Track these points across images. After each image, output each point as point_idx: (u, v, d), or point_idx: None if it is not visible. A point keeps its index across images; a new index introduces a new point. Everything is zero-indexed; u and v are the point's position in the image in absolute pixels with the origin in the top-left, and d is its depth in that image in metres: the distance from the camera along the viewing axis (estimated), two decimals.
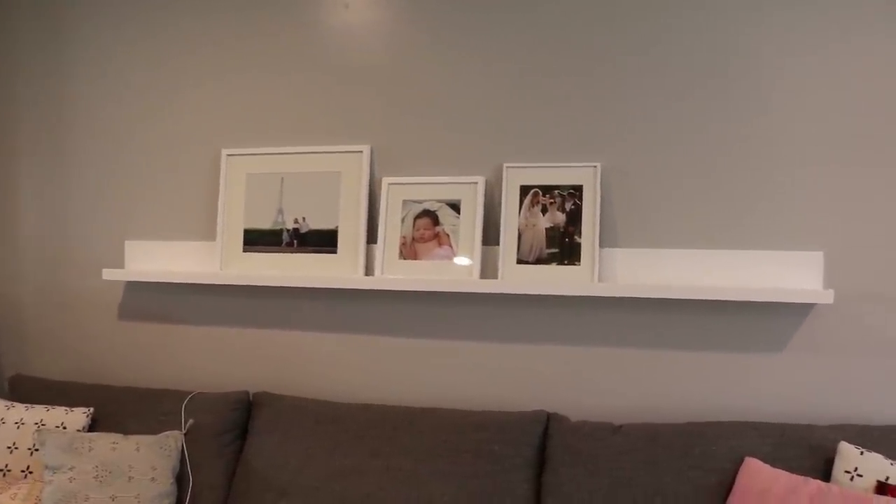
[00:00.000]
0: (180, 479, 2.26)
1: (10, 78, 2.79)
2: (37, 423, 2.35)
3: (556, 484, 2.03)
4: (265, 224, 2.47)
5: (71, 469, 2.13)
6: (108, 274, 2.55)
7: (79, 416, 2.37)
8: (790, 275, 2.09)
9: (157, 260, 2.61)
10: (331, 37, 2.44)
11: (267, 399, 2.37)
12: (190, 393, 2.42)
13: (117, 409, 2.43)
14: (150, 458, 2.21)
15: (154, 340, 2.65)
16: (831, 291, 1.98)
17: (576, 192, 2.21)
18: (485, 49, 2.31)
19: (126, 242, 2.64)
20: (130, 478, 2.15)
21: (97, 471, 2.13)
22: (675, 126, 2.17)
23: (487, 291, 2.22)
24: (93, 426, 2.40)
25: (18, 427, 2.35)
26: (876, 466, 1.79)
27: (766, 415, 2.12)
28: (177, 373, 2.63)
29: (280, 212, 2.45)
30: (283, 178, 2.46)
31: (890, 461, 1.80)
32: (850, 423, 1.98)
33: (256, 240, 2.47)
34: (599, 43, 2.22)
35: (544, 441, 2.14)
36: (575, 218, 2.21)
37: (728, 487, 1.91)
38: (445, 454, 2.13)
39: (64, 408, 2.39)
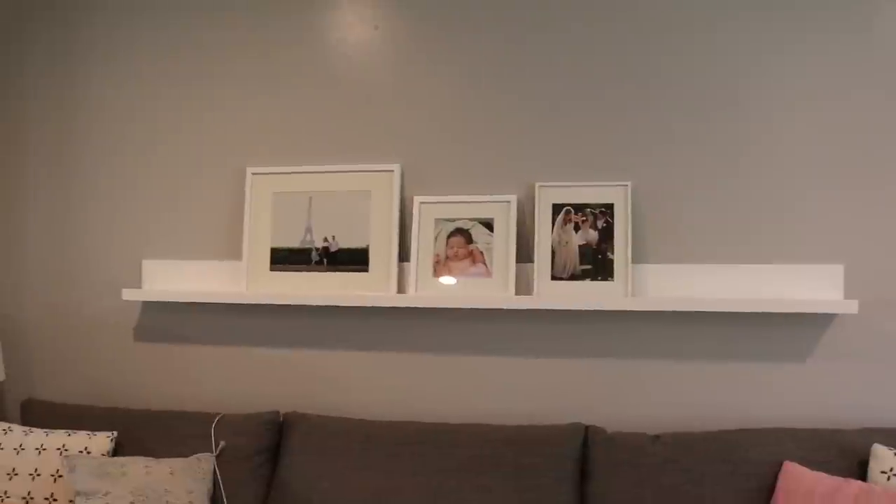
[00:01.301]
0: (215, 502, 2.22)
1: (24, 90, 2.73)
2: (59, 449, 2.28)
3: (602, 494, 2.08)
4: (293, 243, 2.46)
5: (106, 495, 2.06)
6: (129, 294, 2.50)
7: (103, 441, 2.31)
8: (812, 287, 2.21)
9: (175, 280, 2.57)
10: (359, 55, 2.47)
11: (299, 419, 2.35)
12: (217, 415, 2.38)
13: (141, 432, 2.37)
14: (186, 481, 2.16)
15: (173, 362, 2.60)
16: (855, 302, 2.10)
17: (607, 210, 2.29)
18: (515, 70, 2.38)
19: (144, 262, 2.59)
20: (167, 502, 2.10)
21: (133, 496, 2.08)
22: (701, 147, 2.27)
23: (523, 308, 2.27)
24: (116, 451, 2.34)
25: (40, 453, 2.27)
26: None
27: (792, 422, 2.22)
28: (199, 395, 2.58)
29: (308, 230, 2.45)
30: (311, 197, 2.46)
31: None
32: (878, 428, 2.09)
33: (284, 259, 2.46)
34: (627, 64, 2.31)
35: (583, 453, 2.19)
36: (607, 235, 2.28)
37: (768, 492, 1.99)
38: (486, 470, 2.15)
39: (86, 432, 2.33)
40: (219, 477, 2.25)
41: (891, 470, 1.91)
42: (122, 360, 2.64)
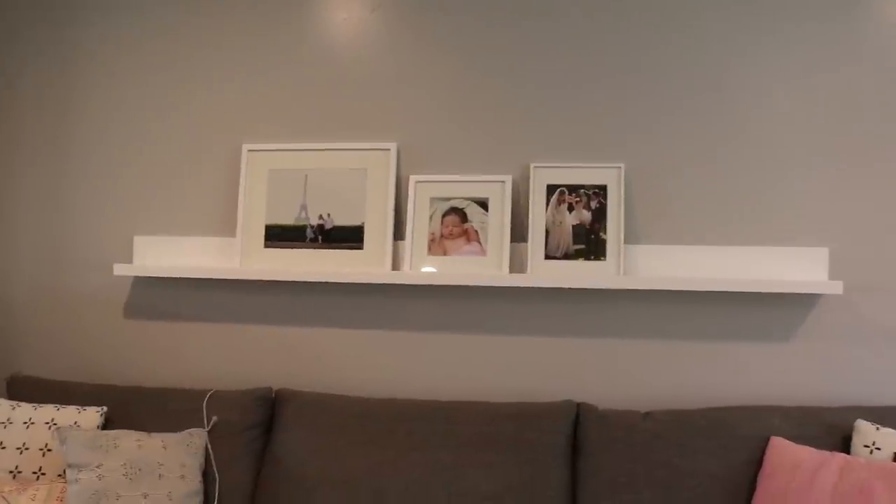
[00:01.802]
0: (205, 477, 2.21)
1: (14, 66, 2.69)
2: (48, 423, 2.25)
3: (595, 468, 2.12)
4: (288, 220, 2.46)
5: (99, 467, 2.05)
6: (120, 269, 2.48)
7: (92, 415, 2.29)
8: (797, 269, 2.27)
9: (167, 256, 2.55)
10: (359, 33, 2.49)
11: (291, 395, 2.35)
12: (207, 391, 2.37)
13: (130, 408, 2.35)
14: (178, 455, 2.16)
15: (163, 339, 2.58)
16: (840, 283, 2.16)
17: (600, 191, 2.33)
18: (512, 53, 2.41)
19: (135, 238, 2.57)
20: (161, 475, 2.09)
21: (126, 468, 2.07)
22: (693, 131, 2.33)
23: (517, 285, 2.30)
24: (106, 426, 2.31)
25: (28, 427, 2.24)
26: (892, 441, 1.96)
27: (778, 399, 2.28)
28: (188, 371, 2.57)
29: (304, 208, 2.46)
30: (307, 175, 2.47)
31: None
32: (861, 405, 2.16)
33: (278, 235, 2.46)
34: (622, 49, 2.36)
35: (574, 430, 2.22)
36: (600, 216, 2.32)
37: (757, 465, 2.04)
38: (482, 445, 2.17)
39: (75, 407, 2.30)
40: (210, 452, 2.25)
41: (873, 444, 1.97)
42: (112, 337, 2.62)
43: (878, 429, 1.99)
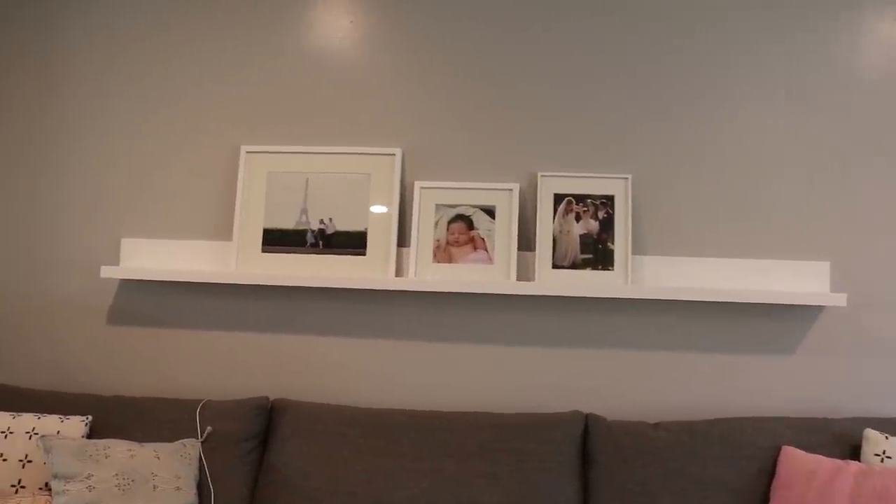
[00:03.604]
0: (199, 490, 2.09)
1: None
2: (28, 433, 2.10)
3: (608, 477, 2.08)
4: (287, 224, 2.39)
5: (88, 478, 1.92)
6: (108, 272, 2.35)
7: (76, 425, 2.15)
8: (800, 282, 2.30)
9: (158, 260, 2.44)
10: (363, 37, 2.45)
11: (289, 405, 2.26)
12: (199, 401, 2.26)
13: (117, 418, 2.23)
14: (173, 466, 2.04)
15: (150, 346, 2.45)
16: (844, 295, 2.19)
17: (608, 201, 2.33)
18: (520, 61, 2.41)
19: (122, 240, 2.45)
20: (155, 486, 1.97)
21: (118, 479, 1.94)
22: (697, 144, 2.35)
23: (525, 294, 2.27)
24: (90, 437, 2.17)
25: (6, 436, 2.09)
26: None
27: (782, 411, 2.29)
28: (177, 381, 2.44)
29: (304, 212, 2.39)
30: (308, 178, 2.40)
31: None
32: (868, 417, 2.18)
33: (277, 240, 2.38)
34: (632, 60, 2.38)
35: (583, 440, 2.18)
36: (607, 226, 2.32)
37: (769, 474, 2.03)
38: (488, 456, 2.12)
39: (57, 416, 2.16)
40: (205, 463, 2.13)
41: (883, 452, 1.99)
42: (96, 345, 2.48)
43: (887, 438, 2.01)
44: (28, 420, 2.13)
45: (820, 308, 2.30)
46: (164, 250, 2.44)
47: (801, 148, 2.33)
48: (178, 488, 2.00)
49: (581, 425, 2.18)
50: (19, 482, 2.05)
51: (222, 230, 2.44)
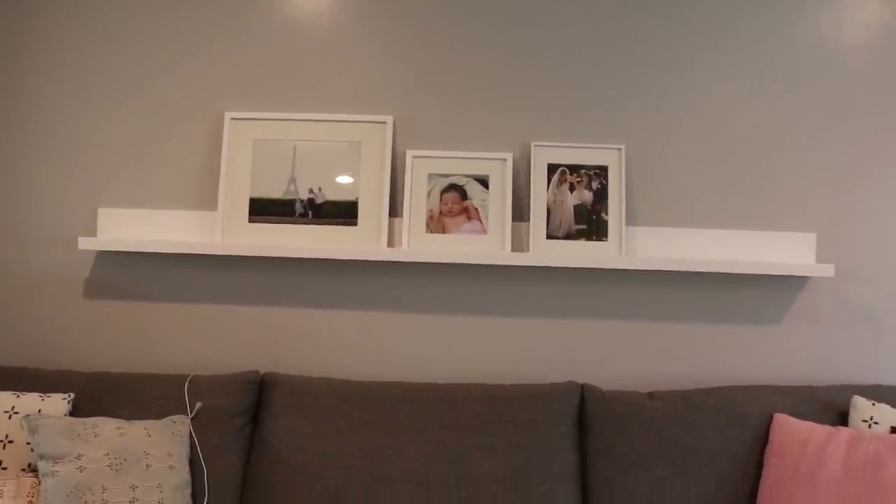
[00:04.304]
0: (191, 467, 2.04)
1: None
2: (7, 412, 2.01)
3: (605, 447, 2.09)
4: (275, 193, 2.31)
5: (79, 457, 1.84)
6: (85, 243, 2.24)
7: (58, 403, 2.06)
8: (787, 253, 2.34)
9: (137, 230, 2.34)
10: (355, 1, 2.37)
11: (280, 379, 2.20)
12: (185, 376, 2.19)
13: (100, 395, 2.14)
14: (164, 443, 1.97)
15: (131, 320, 2.36)
16: (831, 266, 2.23)
17: (601, 172, 2.32)
18: (514, 30, 2.36)
19: (99, 210, 2.34)
20: (148, 465, 1.91)
21: (110, 458, 1.87)
22: (689, 116, 2.35)
23: (519, 264, 2.25)
24: (73, 415, 2.09)
25: None
26: (888, 415, 2.04)
27: (770, 379, 2.34)
28: (161, 356, 2.36)
29: (293, 181, 2.31)
30: (296, 146, 2.32)
31: None
32: (850, 384, 2.25)
33: (265, 210, 2.31)
34: (626, 32, 2.36)
35: (579, 411, 2.19)
36: (601, 196, 2.31)
37: (762, 442, 2.08)
38: (486, 427, 2.11)
39: (37, 394, 2.07)
40: (195, 440, 2.07)
41: (871, 418, 2.05)
42: (76, 320, 2.37)
43: (873, 404, 2.07)
44: (6, 398, 2.03)
45: (806, 279, 2.34)
46: (144, 220, 2.34)
47: (790, 121, 2.35)
48: (171, 466, 1.94)
49: (577, 396, 2.19)
50: (0, 463, 1.96)
51: (206, 200, 2.35)
